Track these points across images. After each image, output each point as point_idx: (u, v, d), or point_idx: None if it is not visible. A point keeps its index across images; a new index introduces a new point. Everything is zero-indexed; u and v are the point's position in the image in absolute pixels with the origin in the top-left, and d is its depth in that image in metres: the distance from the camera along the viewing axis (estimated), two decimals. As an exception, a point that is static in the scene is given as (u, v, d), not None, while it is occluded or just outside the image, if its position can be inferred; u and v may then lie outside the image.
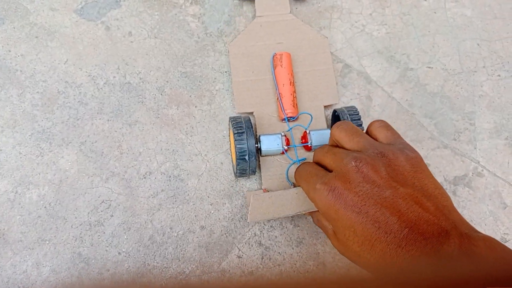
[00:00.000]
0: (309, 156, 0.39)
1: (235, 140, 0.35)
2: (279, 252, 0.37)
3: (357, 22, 0.45)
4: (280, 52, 0.41)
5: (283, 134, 0.38)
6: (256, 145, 0.37)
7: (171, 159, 0.40)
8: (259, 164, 0.39)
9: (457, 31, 0.44)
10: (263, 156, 0.39)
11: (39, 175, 0.40)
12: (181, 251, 0.37)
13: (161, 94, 0.42)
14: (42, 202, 0.39)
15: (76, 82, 0.42)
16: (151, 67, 0.43)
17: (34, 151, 0.40)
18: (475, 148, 0.41)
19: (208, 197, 0.39)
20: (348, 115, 0.36)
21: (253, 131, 0.36)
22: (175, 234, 0.38)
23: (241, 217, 0.38)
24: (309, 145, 0.38)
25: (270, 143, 0.37)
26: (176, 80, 0.43)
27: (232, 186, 0.39)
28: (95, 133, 0.41)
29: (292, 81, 0.40)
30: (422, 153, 0.40)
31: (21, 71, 0.43)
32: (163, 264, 0.37)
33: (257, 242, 0.38)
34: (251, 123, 0.37)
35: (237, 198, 0.39)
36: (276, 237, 0.38)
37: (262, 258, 0.37)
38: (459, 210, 0.39)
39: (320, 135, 0.38)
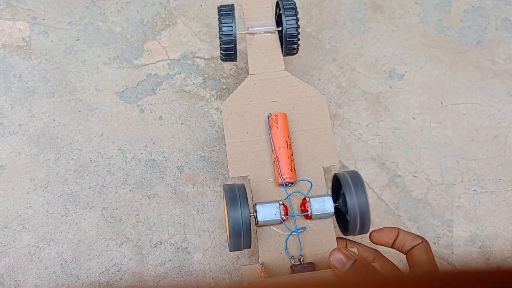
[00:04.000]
0: (309, 223, 0.36)
1: (228, 212, 0.33)
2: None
3: (355, 131, 0.52)
4: (276, 112, 0.39)
5: (281, 202, 0.35)
6: (251, 214, 0.34)
7: (181, 232, 0.45)
8: (256, 234, 0.36)
9: (439, 148, 0.52)
10: (259, 226, 0.36)
11: (61, 233, 0.44)
12: (180, 320, 0.41)
13: (180, 172, 0.48)
14: (59, 258, 0.43)
15: (107, 154, 0.48)
16: (175, 148, 0.49)
17: (60, 211, 0.45)
18: (452, 253, 0.45)
19: (210, 271, 0.43)
20: (350, 180, 0.35)
21: (247, 201, 0.34)
22: (176, 303, 0.41)
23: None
24: (309, 214, 0.35)
25: (267, 212, 0.35)
26: (195, 162, 0.49)
27: (233, 264, 0.43)
28: (117, 201, 0.46)
29: (289, 143, 0.38)
30: (405, 252, 0.45)
31: (61, 138, 0.49)
32: (161, 331, 0.40)
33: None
34: (245, 191, 0.34)
35: (236, 275, 0.43)
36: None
37: (253, 336, 0.40)
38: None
39: (321, 203, 0.35)
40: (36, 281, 0.42)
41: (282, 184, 0.37)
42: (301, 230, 0.36)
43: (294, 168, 0.38)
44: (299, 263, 0.35)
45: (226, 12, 0.43)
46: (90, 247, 0.43)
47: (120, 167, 0.48)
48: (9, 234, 0.44)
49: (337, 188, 0.37)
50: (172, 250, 0.44)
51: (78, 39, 0.55)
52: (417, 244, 0.34)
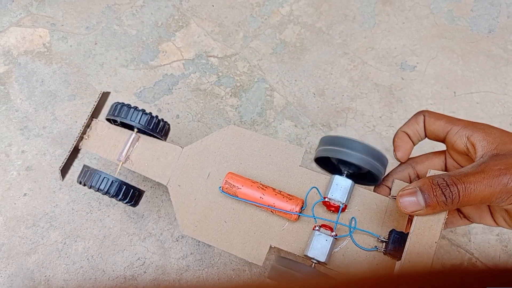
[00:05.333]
0: (350, 214, 0.34)
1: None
2: None
3: (369, 123, 0.53)
4: (222, 180, 0.35)
5: (317, 228, 0.33)
6: (311, 265, 0.32)
7: (201, 226, 0.46)
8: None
9: (454, 137, 0.52)
10: (328, 262, 0.33)
11: (87, 230, 0.46)
12: (203, 310, 0.42)
13: (199, 169, 0.49)
14: (86, 254, 0.44)
15: (128, 153, 0.50)
16: (192, 146, 0.51)
17: (85, 208, 0.47)
18: (469, 241, 0.46)
19: (231, 263, 0.44)
20: (330, 147, 0.34)
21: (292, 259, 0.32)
22: (199, 294, 0.43)
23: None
24: (341, 204, 0.33)
25: (319, 247, 0.32)
26: (213, 158, 0.50)
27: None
28: (139, 197, 0.47)
29: (261, 185, 0.34)
30: (422, 241, 0.45)
31: (83, 139, 0.51)
32: (186, 321, 0.41)
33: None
34: (287, 258, 0.33)
35: (256, 266, 0.44)
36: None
37: (275, 325, 0.41)
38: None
39: (337, 187, 0.33)
40: (64, 276, 0.43)
41: (298, 215, 0.33)
42: (353, 228, 0.33)
43: (290, 194, 0.34)
44: (385, 242, 0.32)
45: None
46: (114, 242, 0.45)
47: (140, 165, 0.49)
48: (38, 232, 0.46)
49: (329, 165, 0.36)
50: (194, 243, 0.45)
51: (96, 43, 0.57)
52: (424, 119, 0.33)
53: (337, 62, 0.57)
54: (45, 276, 0.44)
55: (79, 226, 0.46)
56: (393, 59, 0.57)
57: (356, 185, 0.34)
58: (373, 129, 0.53)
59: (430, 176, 0.29)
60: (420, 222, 0.29)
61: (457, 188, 0.27)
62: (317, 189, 0.34)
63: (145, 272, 0.44)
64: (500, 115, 0.53)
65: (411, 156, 0.37)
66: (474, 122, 0.32)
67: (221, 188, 0.35)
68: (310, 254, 0.32)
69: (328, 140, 0.34)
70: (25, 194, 0.48)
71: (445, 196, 0.27)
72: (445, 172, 0.29)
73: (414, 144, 0.34)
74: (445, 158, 0.35)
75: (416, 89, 0.55)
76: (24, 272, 0.44)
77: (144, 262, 0.44)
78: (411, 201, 0.28)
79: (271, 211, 0.34)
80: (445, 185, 0.27)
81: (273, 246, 0.34)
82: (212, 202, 0.36)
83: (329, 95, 0.55)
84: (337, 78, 0.56)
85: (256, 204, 0.34)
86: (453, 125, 0.32)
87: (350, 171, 0.34)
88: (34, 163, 0.49)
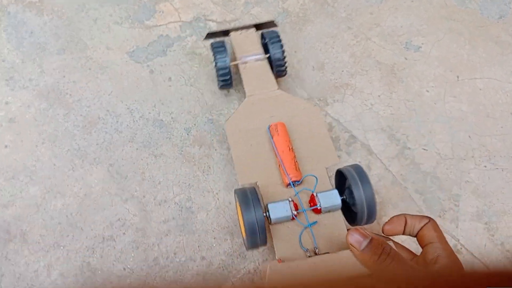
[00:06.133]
0: (320, 218, 0.37)
1: (242, 213, 0.34)
2: None
3: (367, 101, 0.51)
4: (275, 122, 0.42)
5: (290, 199, 0.37)
6: (265, 214, 0.36)
7: (186, 192, 0.45)
8: (270, 234, 0.38)
9: (452, 122, 0.50)
10: (273, 224, 0.37)
11: (67, 186, 0.44)
12: (180, 276, 0.41)
13: (188, 134, 0.48)
14: (65, 211, 0.43)
15: (115, 112, 0.48)
16: (183, 110, 0.49)
17: (67, 165, 0.45)
18: (457, 227, 0.45)
19: (213, 231, 0.43)
20: (355, 174, 0.37)
21: (260, 202, 0.35)
22: (178, 260, 0.42)
23: (239, 254, 0.42)
24: (319, 208, 0.37)
25: (278, 210, 0.36)
26: (203, 124, 0.48)
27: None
28: (124, 158, 0.46)
29: (290, 147, 0.40)
30: (409, 224, 0.44)
31: (70, 95, 0.49)
32: (162, 285, 0.40)
33: (250, 280, 0.41)
34: (256, 193, 0.36)
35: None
36: (268, 278, 0.41)
37: (252, 296, 0.41)
38: (437, 282, 0.42)
39: (328, 196, 0.37)
40: (41, 231, 0.42)
41: (290, 184, 0.38)
42: (313, 224, 0.37)
43: (299, 168, 0.39)
44: (314, 255, 0.35)
45: (218, 48, 0.47)
46: (95, 202, 0.44)
47: (127, 125, 0.48)
48: (17, 185, 0.44)
49: (341, 182, 0.39)
50: (176, 208, 0.44)
51: (90, -3, 0.55)
52: (425, 224, 0.34)
53: (340, 36, 0.55)
54: (21, 229, 0.42)
55: (60, 183, 0.45)
56: (398, 37, 0.55)
57: (340, 211, 0.38)
58: (370, 107, 0.51)
59: (384, 239, 0.34)
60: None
61: (392, 261, 0.31)
62: (316, 180, 0.38)
63: (124, 234, 0.43)
64: (502, 103, 0.51)
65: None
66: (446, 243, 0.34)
67: (269, 127, 0.42)
68: (269, 206, 0.37)
69: (355, 169, 0.37)
70: (6, 146, 0.46)
71: (378, 258, 0.31)
72: (396, 245, 0.35)
73: (403, 233, 0.36)
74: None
75: (418, 70, 0.53)
76: (0, 224, 0.43)
77: (124, 224, 0.43)
78: (357, 239, 0.32)
79: (279, 165, 0.40)
80: (388, 252, 0.31)
81: (259, 185, 0.40)
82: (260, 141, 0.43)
83: (328, 69, 0.53)
84: (339, 53, 0.54)
85: (275, 152, 0.40)
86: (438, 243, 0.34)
87: (346, 199, 0.38)
88: (18, 115, 0.48)
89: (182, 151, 0.47)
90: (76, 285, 0.40)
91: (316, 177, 0.38)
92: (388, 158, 0.48)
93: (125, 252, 0.42)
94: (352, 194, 0.36)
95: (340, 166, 0.39)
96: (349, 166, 0.38)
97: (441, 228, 0.42)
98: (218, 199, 0.45)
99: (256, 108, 0.44)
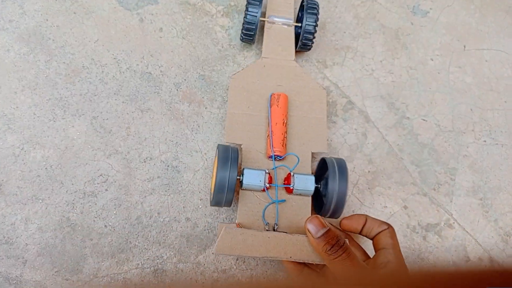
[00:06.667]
0: (289, 198, 0.38)
1: (217, 169, 0.34)
2: (253, 258, 0.40)
3: (368, 66, 0.49)
4: (278, 92, 0.42)
5: (267, 171, 0.37)
6: (238, 177, 0.36)
7: (173, 150, 0.43)
8: (238, 197, 0.38)
9: (455, 94, 0.48)
10: (243, 189, 0.38)
11: (48, 138, 0.42)
12: (163, 236, 0.40)
13: (177, 89, 0.45)
14: (44, 163, 0.41)
15: (101, 61, 0.45)
16: (173, 64, 0.46)
17: (48, 115, 0.43)
18: (451, 202, 0.44)
19: (199, 192, 0.41)
20: (336, 167, 0.37)
21: (237, 164, 0.35)
22: (161, 220, 0.40)
23: (225, 218, 0.41)
24: (291, 188, 0.37)
25: (252, 178, 0.37)
26: (194, 80, 0.46)
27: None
28: (108, 111, 0.43)
29: (285, 121, 0.40)
30: (402, 196, 0.43)
31: (53, 40, 0.46)
32: (144, 245, 0.39)
33: (235, 243, 0.40)
34: (238, 154, 0.36)
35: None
36: (253, 242, 0.40)
37: (237, 260, 0.40)
38: (426, 255, 0.41)
39: (304, 180, 0.37)
40: (19, 183, 0.40)
41: (271, 157, 0.39)
42: (281, 201, 0.38)
43: (285, 145, 0.40)
44: (272, 231, 0.36)
45: (254, 2, 0.44)
46: (77, 155, 0.42)
47: (113, 76, 0.45)
48: (-6, 133, 0.42)
49: (322, 171, 0.39)
50: (162, 167, 0.42)
51: None
52: (383, 230, 0.34)
53: (345, -5, 0.52)
54: (-2, 180, 0.40)
55: (39, 133, 0.42)
56: (406, 0, 0.52)
57: (310, 197, 0.38)
58: (371, 73, 0.48)
59: (340, 231, 0.37)
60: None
61: (344, 253, 0.31)
62: (298, 160, 0.39)
63: (106, 190, 0.41)
64: (507, 77, 0.49)
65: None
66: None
67: (271, 95, 0.42)
68: (245, 170, 0.37)
69: (338, 163, 0.37)
70: (-18, 91, 0.43)
71: (331, 248, 0.31)
72: (352, 242, 0.36)
73: (359, 233, 0.36)
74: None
75: (424, 37, 0.50)
76: (-25, 173, 0.40)
77: (107, 180, 0.41)
78: (315, 226, 0.32)
79: (268, 135, 0.40)
80: (341, 245, 0.31)
81: (242, 147, 0.40)
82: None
83: (330, 29, 0.50)
84: (342, 13, 0.51)
85: (269, 122, 0.40)
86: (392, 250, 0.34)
87: (320, 188, 0.38)
88: (-5, 59, 0.44)
89: (170, 107, 0.44)
90: (55, 240, 0.38)
91: (298, 158, 0.39)
92: (386, 127, 0.46)
93: (106, 209, 0.40)
94: (327, 185, 0.36)
95: (332, 153, 0.37)
96: (335, 158, 0.38)
97: (435, 202, 0.41)
98: (206, 159, 0.43)
99: (266, 71, 0.44)
